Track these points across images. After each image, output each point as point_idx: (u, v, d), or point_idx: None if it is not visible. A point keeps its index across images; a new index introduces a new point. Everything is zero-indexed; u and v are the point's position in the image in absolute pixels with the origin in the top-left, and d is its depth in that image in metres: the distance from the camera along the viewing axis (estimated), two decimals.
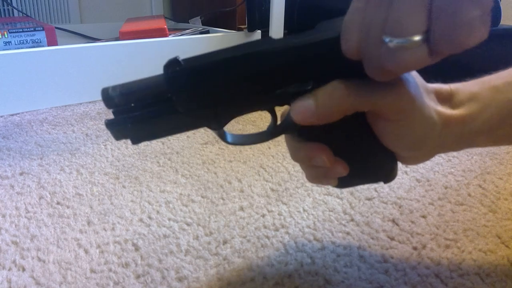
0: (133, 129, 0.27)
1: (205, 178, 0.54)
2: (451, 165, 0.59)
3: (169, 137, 0.67)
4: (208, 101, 0.26)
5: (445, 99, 0.29)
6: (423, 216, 0.45)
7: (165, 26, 1.05)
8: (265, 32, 1.11)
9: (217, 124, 0.27)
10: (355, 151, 0.30)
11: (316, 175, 0.32)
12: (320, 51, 0.25)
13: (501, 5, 0.98)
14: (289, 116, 0.29)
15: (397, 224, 0.44)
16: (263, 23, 1.09)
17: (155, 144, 0.65)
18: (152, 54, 0.95)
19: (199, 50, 1.03)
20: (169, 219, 0.45)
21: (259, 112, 0.64)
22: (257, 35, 1.13)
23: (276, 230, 0.42)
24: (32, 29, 0.93)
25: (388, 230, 0.43)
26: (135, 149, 0.63)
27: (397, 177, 0.53)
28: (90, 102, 0.89)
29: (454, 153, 0.62)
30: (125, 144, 0.65)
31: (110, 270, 0.37)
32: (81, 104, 0.87)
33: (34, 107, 0.83)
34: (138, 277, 0.36)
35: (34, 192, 0.50)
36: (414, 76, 0.27)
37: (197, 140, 0.66)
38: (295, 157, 0.31)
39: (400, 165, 0.32)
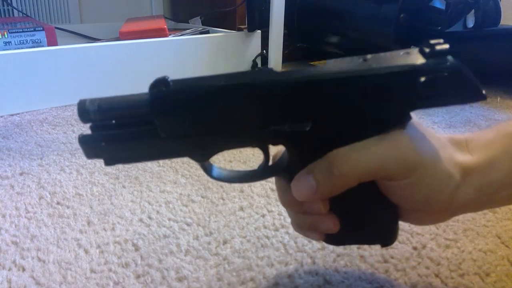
0: (108, 149, 0.25)
1: (205, 178, 0.54)
2: None
3: None
4: (194, 130, 0.24)
5: (460, 147, 0.27)
6: None
7: (165, 26, 1.05)
8: (265, 32, 1.11)
9: (201, 156, 0.25)
10: (352, 205, 0.27)
11: (303, 224, 0.28)
12: (323, 89, 0.23)
13: (501, 5, 0.98)
14: (282, 158, 0.27)
15: None
16: (263, 23, 1.09)
17: None
18: (152, 54, 0.95)
19: (199, 50, 1.03)
20: (169, 219, 0.45)
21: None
22: (257, 35, 1.13)
23: (276, 230, 0.42)
24: (32, 29, 0.93)
25: None
26: None
27: None
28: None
29: None
30: None
31: (110, 270, 0.37)
32: None
33: (34, 107, 0.83)
34: (138, 277, 0.36)
35: (34, 192, 0.50)
36: (423, 130, 0.25)
37: None
38: (285, 199, 0.28)
39: None
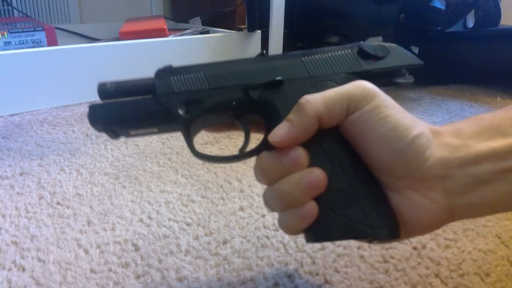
0: (110, 106, 0.30)
1: (205, 178, 0.54)
2: None
3: (169, 137, 0.67)
4: (184, 87, 0.29)
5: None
6: None
7: (165, 26, 1.05)
8: (265, 32, 1.11)
9: (187, 114, 0.29)
10: (332, 182, 0.26)
11: (287, 196, 0.26)
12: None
13: (501, 5, 0.98)
14: (264, 140, 0.29)
15: None
16: (263, 23, 1.09)
17: (155, 144, 0.65)
18: (152, 54, 0.95)
19: (199, 50, 1.03)
20: (169, 219, 0.45)
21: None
22: (257, 35, 1.13)
23: (276, 230, 0.42)
24: (32, 29, 0.93)
25: None
26: (135, 149, 0.63)
27: None
28: (90, 102, 0.89)
29: None
30: (125, 144, 0.65)
31: (110, 270, 0.37)
32: (81, 104, 0.87)
33: (34, 107, 0.83)
34: (138, 277, 0.36)
35: (34, 192, 0.50)
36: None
37: (197, 140, 0.66)
38: (270, 172, 0.27)
39: None
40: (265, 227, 0.43)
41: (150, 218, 0.45)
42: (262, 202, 0.48)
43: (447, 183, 0.25)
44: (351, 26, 1.06)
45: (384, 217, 0.26)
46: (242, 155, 0.30)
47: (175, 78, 0.29)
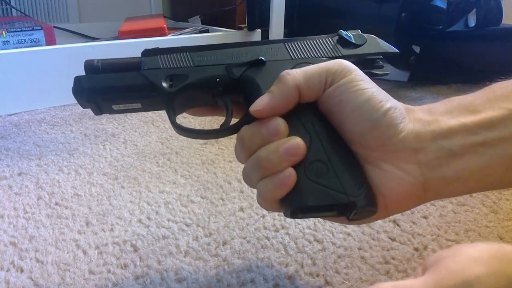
0: (94, 78, 0.31)
1: (205, 178, 0.54)
2: None
3: (168, 137, 0.67)
4: (168, 64, 0.31)
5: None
6: (425, 217, 0.45)
7: (165, 25, 1.05)
8: (265, 31, 1.10)
9: (170, 88, 0.30)
10: (309, 152, 0.27)
11: (266, 163, 0.26)
12: None
13: (502, 4, 0.98)
14: (244, 116, 0.29)
15: (398, 225, 0.43)
16: (263, 22, 1.09)
17: (154, 144, 0.64)
18: None
19: None
20: (168, 220, 0.44)
21: None
22: (257, 34, 1.13)
23: (276, 231, 0.42)
24: (31, 28, 0.93)
25: (389, 231, 0.42)
26: (134, 149, 0.63)
27: None
28: None
29: None
30: (124, 144, 0.64)
31: (108, 271, 0.36)
32: None
33: (32, 107, 0.82)
34: (137, 278, 0.36)
35: (33, 192, 0.50)
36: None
37: (197, 140, 0.66)
38: (250, 142, 0.27)
39: None
40: (265, 228, 0.43)
41: (149, 218, 0.44)
42: None
43: (421, 155, 0.25)
44: (352, 25, 1.05)
45: (361, 186, 0.26)
46: (223, 130, 0.31)
47: (162, 56, 0.31)
